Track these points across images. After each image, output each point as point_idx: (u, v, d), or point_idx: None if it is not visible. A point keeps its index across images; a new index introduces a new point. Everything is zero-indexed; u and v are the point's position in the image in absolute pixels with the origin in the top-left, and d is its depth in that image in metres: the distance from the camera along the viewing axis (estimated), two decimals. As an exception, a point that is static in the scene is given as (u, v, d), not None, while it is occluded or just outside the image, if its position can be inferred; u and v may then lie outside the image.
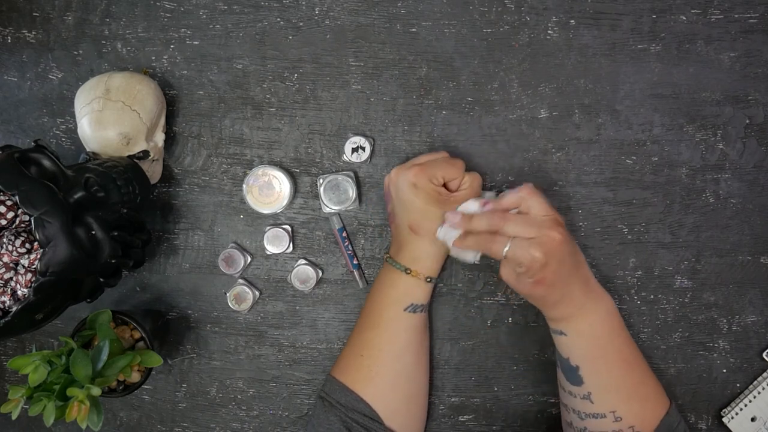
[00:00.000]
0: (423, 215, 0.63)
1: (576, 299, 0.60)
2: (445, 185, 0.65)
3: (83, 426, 0.56)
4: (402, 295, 0.65)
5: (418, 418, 0.68)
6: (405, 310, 0.65)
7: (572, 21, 0.70)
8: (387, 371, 0.64)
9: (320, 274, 0.72)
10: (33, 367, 0.57)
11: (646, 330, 0.72)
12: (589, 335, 0.61)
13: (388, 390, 0.64)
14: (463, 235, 0.61)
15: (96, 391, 0.56)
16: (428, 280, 0.65)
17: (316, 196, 0.72)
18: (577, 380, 0.61)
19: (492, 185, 0.71)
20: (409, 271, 0.64)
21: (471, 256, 0.63)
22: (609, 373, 0.61)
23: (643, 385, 0.62)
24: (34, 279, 0.54)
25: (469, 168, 0.71)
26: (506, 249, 0.57)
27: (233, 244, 0.72)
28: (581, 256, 0.61)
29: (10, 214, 0.56)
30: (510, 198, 0.60)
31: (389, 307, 0.65)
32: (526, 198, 0.59)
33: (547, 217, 0.58)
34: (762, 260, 0.71)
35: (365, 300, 0.68)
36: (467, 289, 0.72)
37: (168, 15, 0.71)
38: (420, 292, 0.65)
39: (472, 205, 0.62)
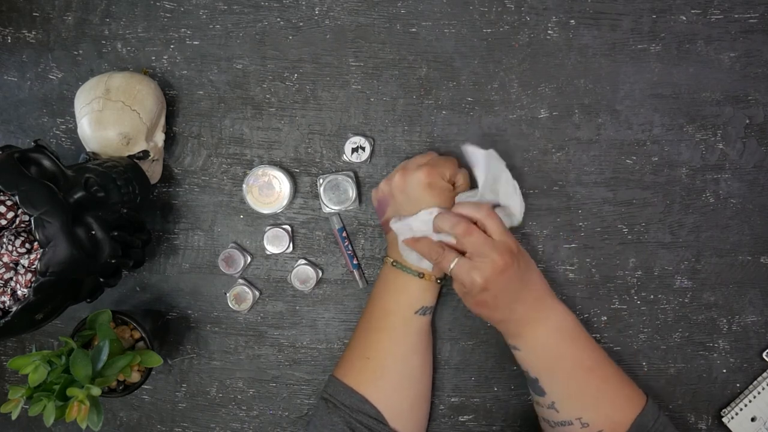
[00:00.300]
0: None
1: (523, 316, 0.61)
2: None
3: (83, 426, 0.56)
4: (414, 299, 0.65)
5: (422, 418, 0.68)
6: (416, 313, 0.65)
7: (572, 21, 0.70)
8: (394, 373, 0.64)
9: (320, 274, 0.72)
10: (33, 367, 0.57)
11: (646, 330, 0.72)
12: (542, 347, 0.62)
13: (393, 392, 0.64)
14: (416, 239, 0.62)
15: (96, 391, 0.56)
16: (438, 281, 0.66)
17: (316, 196, 0.72)
18: (539, 391, 0.62)
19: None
20: (422, 276, 0.64)
21: (415, 259, 0.64)
22: (568, 382, 0.61)
23: (608, 389, 0.62)
24: (34, 279, 0.54)
25: (468, 168, 0.71)
26: (452, 266, 0.59)
27: (233, 244, 0.72)
28: (533, 274, 0.62)
29: (10, 214, 0.56)
30: (468, 209, 0.60)
31: (399, 310, 0.65)
32: (484, 217, 0.60)
33: (500, 242, 0.59)
34: (762, 260, 0.71)
35: (368, 303, 0.68)
36: (467, 289, 0.72)
37: (168, 15, 0.71)
38: (431, 295, 0.66)
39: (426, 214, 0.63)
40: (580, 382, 0.61)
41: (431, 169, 0.63)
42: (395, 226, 0.63)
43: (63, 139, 0.73)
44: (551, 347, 0.62)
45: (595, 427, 0.60)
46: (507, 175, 0.62)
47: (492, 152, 0.62)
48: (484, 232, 0.59)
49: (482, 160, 0.61)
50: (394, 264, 0.65)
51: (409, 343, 0.65)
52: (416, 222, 0.62)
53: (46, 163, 0.57)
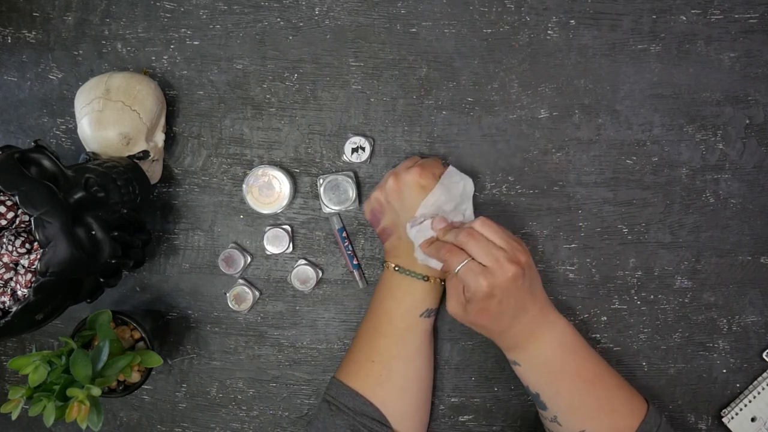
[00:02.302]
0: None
1: (525, 329, 0.61)
2: None
3: (83, 426, 0.56)
4: (418, 301, 0.65)
5: (424, 419, 0.69)
6: (420, 315, 0.65)
7: (572, 21, 0.70)
8: (398, 376, 0.64)
9: (320, 274, 0.72)
10: (33, 368, 0.57)
11: (646, 330, 0.72)
12: (542, 362, 0.62)
13: (398, 394, 0.64)
14: (429, 241, 0.62)
15: (96, 391, 0.56)
16: (443, 282, 0.66)
17: (316, 196, 0.72)
18: (542, 405, 0.63)
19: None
20: (426, 278, 0.64)
21: (422, 258, 0.63)
22: (570, 395, 0.61)
23: (610, 399, 0.62)
24: (34, 279, 0.54)
25: (469, 168, 0.71)
26: (459, 267, 0.58)
27: (233, 244, 0.72)
28: (538, 286, 0.62)
29: (10, 214, 0.56)
30: (460, 232, 0.60)
31: (405, 314, 0.65)
32: (479, 229, 0.59)
33: (510, 247, 0.58)
34: (762, 260, 0.71)
35: (371, 306, 0.67)
36: (467, 289, 0.72)
37: (168, 15, 0.71)
38: (434, 297, 0.66)
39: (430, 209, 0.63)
40: (582, 395, 0.61)
41: (423, 169, 0.63)
42: (411, 233, 0.63)
43: (63, 139, 0.73)
44: (553, 362, 0.61)
45: None
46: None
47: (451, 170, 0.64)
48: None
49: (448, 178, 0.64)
50: (397, 269, 0.65)
51: (413, 345, 0.65)
52: (427, 212, 0.63)
53: (46, 163, 0.57)
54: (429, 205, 0.63)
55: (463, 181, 0.64)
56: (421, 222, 0.63)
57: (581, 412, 0.61)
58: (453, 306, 0.60)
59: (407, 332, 0.65)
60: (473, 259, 0.58)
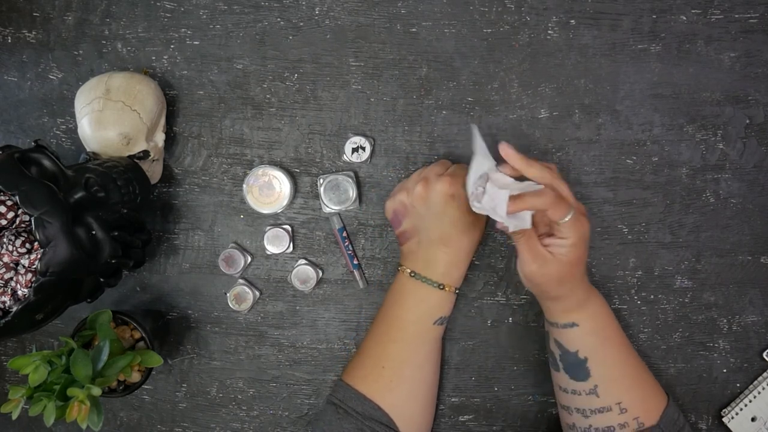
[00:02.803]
0: (454, 226, 0.63)
1: (585, 286, 0.62)
2: None
3: (83, 426, 0.56)
4: (433, 309, 0.65)
5: (430, 422, 0.69)
6: (434, 323, 0.65)
7: (572, 21, 0.70)
8: (408, 381, 0.64)
9: (320, 274, 0.72)
10: (33, 367, 0.57)
11: (646, 330, 0.72)
12: (598, 324, 0.63)
13: (407, 399, 0.64)
14: (516, 198, 0.54)
15: (96, 391, 0.56)
16: (456, 291, 0.66)
17: (316, 196, 0.72)
18: (584, 374, 0.62)
19: None
20: (442, 287, 0.64)
21: (527, 221, 0.55)
22: (615, 363, 0.62)
23: (644, 375, 0.64)
24: (34, 279, 0.54)
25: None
26: (568, 217, 0.55)
27: (233, 244, 0.72)
28: None
29: (10, 214, 0.56)
30: (537, 167, 0.56)
31: (418, 321, 0.65)
32: (554, 178, 0.56)
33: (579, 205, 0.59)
34: (762, 260, 0.71)
35: (383, 311, 0.67)
36: (467, 289, 0.72)
37: (168, 15, 0.71)
38: (449, 305, 0.66)
39: (500, 177, 0.57)
40: (623, 366, 0.62)
41: (453, 179, 0.62)
42: (485, 202, 0.55)
43: (63, 139, 0.73)
44: (605, 325, 0.63)
45: (632, 413, 0.60)
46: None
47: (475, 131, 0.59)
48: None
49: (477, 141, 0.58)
50: (413, 275, 0.65)
51: (424, 352, 0.66)
52: (493, 188, 0.55)
53: (46, 163, 0.57)
54: (477, 177, 0.57)
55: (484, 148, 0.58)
56: (483, 191, 0.56)
57: (621, 383, 0.61)
58: (534, 270, 0.58)
59: (419, 339, 0.65)
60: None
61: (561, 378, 0.64)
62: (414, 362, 0.65)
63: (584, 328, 0.62)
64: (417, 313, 0.65)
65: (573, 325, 0.62)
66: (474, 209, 0.56)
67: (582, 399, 0.62)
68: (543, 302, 0.64)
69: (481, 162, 0.57)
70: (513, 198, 0.53)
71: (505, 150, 0.55)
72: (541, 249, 0.58)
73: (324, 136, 0.72)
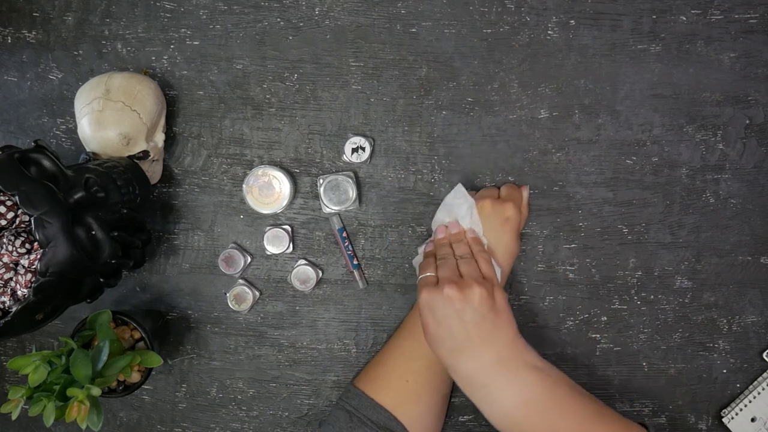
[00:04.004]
0: (506, 250, 0.66)
1: (480, 371, 0.56)
2: None
3: (83, 426, 0.56)
4: None
5: (440, 428, 0.69)
6: None
7: (572, 21, 0.70)
8: (429, 396, 0.65)
9: (320, 274, 0.72)
10: (33, 368, 0.57)
11: (646, 330, 0.72)
12: (503, 416, 0.57)
13: (424, 411, 0.64)
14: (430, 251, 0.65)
15: (96, 391, 0.56)
16: None
17: (316, 196, 0.72)
18: None
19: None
20: None
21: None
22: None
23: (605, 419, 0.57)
24: (34, 279, 0.54)
25: (468, 169, 0.71)
26: (420, 277, 0.61)
27: (233, 245, 0.72)
28: (503, 332, 0.57)
29: (10, 214, 0.56)
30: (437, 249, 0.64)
31: None
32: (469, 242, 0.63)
33: (486, 279, 0.60)
34: (762, 260, 0.71)
35: (409, 326, 0.66)
36: (467, 290, 0.72)
37: (168, 15, 0.71)
38: None
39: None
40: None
41: (513, 203, 0.66)
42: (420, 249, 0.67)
43: (63, 140, 0.73)
44: (515, 422, 0.56)
45: None
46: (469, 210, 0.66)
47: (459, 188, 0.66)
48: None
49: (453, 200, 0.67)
50: None
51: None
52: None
53: (46, 163, 0.57)
54: (435, 225, 0.67)
55: (467, 204, 0.65)
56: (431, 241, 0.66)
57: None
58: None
59: None
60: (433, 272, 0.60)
61: None
62: (439, 379, 0.65)
63: (485, 412, 0.57)
64: None
65: (479, 406, 0.58)
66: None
67: None
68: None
69: (444, 217, 0.67)
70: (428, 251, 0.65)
71: (438, 232, 0.66)
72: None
73: (324, 137, 0.72)
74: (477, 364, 0.57)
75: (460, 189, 0.66)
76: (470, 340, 0.56)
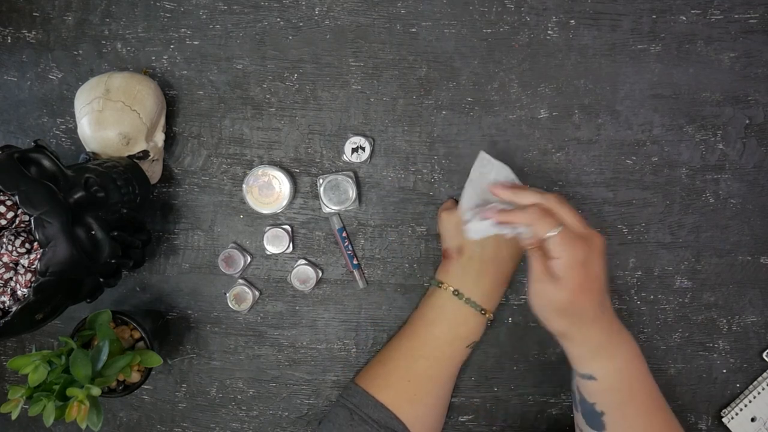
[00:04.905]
0: (506, 249, 0.64)
1: (602, 332, 0.56)
2: None
3: (83, 426, 0.56)
4: (470, 333, 0.65)
5: (440, 428, 0.70)
6: (467, 346, 0.65)
7: (572, 21, 0.70)
8: (431, 397, 0.65)
9: (320, 274, 0.72)
10: (33, 367, 0.57)
11: (646, 330, 0.72)
12: (618, 381, 0.57)
13: (426, 412, 0.64)
14: (504, 211, 0.55)
15: (96, 391, 0.56)
16: (490, 319, 0.66)
17: (316, 196, 0.72)
18: (599, 426, 0.59)
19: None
20: (484, 312, 0.64)
21: (507, 230, 0.55)
22: (634, 422, 0.58)
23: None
24: (34, 279, 0.54)
25: (468, 169, 0.71)
26: (555, 231, 0.51)
27: (233, 244, 0.72)
28: (606, 294, 0.57)
29: (10, 214, 0.56)
30: (528, 194, 0.55)
31: (453, 342, 0.65)
32: (555, 206, 0.54)
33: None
34: (762, 260, 0.71)
35: (417, 325, 0.67)
36: (467, 289, 0.72)
37: (168, 15, 0.71)
38: (482, 330, 0.66)
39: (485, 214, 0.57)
40: (642, 426, 0.58)
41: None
42: (482, 227, 0.56)
43: (63, 139, 0.73)
44: (627, 383, 0.57)
45: None
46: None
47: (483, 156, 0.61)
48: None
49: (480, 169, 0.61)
50: (456, 294, 0.64)
51: (451, 371, 0.66)
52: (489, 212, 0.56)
53: (46, 163, 0.57)
54: (464, 210, 0.59)
55: (494, 171, 0.60)
56: (470, 220, 0.57)
57: None
58: (539, 288, 0.54)
59: (450, 360, 0.65)
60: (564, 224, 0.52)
61: (578, 418, 0.62)
62: (441, 380, 0.65)
63: (603, 384, 0.57)
64: (453, 335, 0.65)
65: (590, 377, 0.57)
66: (467, 234, 0.57)
67: None
68: (560, 342, 0.59)
69: (474, 194, 0.60)
70: (501, 212, 0.55)
71: (496, 191, 0.57)
72: (548, 266, 0.53)
73: (324, 136, 0.72)
74: (608, 319, 0.57)
75: (484, 157, 0.60)
76: (603, 293, 0.55)
